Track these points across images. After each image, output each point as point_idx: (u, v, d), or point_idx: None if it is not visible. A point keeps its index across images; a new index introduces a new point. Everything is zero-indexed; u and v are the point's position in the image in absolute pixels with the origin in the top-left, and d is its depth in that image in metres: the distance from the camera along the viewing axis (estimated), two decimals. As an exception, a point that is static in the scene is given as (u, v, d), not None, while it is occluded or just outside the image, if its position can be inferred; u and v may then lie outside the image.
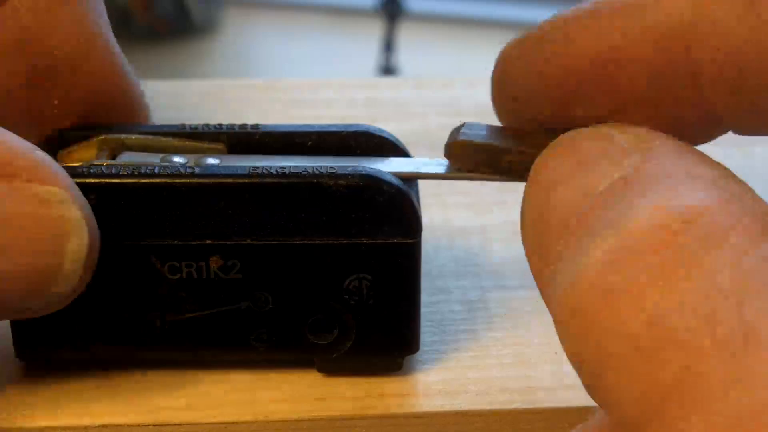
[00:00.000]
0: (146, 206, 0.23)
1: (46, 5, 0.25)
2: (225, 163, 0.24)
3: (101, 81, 0.26)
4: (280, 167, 0.23)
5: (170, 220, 0.23)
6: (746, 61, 0.18)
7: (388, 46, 1.51)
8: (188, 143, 0.26)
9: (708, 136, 0.20)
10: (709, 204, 0.16)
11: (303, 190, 0.23)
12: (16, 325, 0.24)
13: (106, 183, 0.23)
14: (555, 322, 0.17)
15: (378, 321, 0.24)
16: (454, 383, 0.25)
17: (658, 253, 0.15)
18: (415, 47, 1.56)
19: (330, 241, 0.23)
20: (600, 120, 0.20)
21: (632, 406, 0.15)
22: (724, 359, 0.14)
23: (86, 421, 0.24)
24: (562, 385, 0.25)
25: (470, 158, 0.22)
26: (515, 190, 0.21)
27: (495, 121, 0.23)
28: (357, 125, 0.26)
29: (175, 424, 0.24)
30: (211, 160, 0.25)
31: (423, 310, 0.25)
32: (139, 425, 0.24)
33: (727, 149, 0.21)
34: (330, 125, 0.26)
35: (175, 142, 0.26)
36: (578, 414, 0.24)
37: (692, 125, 0.20)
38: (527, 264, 0.19)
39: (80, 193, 0.22)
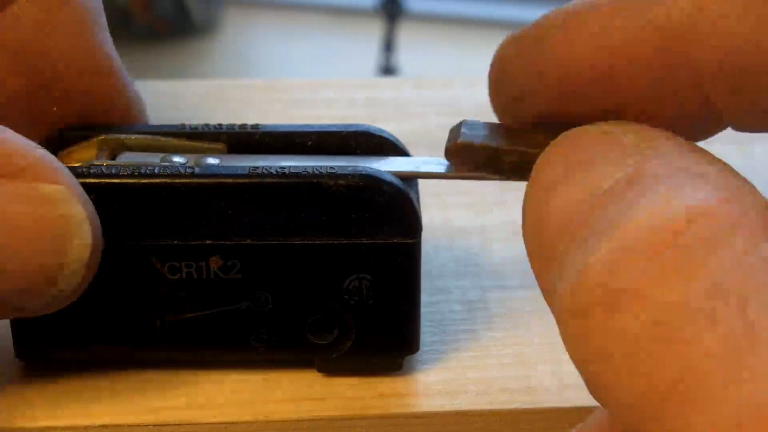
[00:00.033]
0: (146, 206, 0.23)
1: (46, 13, 0.25)
2: (225, 163, 0.24)
3: (100, 86, 0.26)
4: (280, 167, 0.23)
5: (170, 220, 0.23)
6: (747, 61, 0.18)
7: (388, 46, 1.51)
8: (188, 143, 0.26)
9: (707, 133, 0.20)
10: (710, 203, 0.16)
11: (303, 190, 0.23)
12: (16, 325, 0.24)
13: (106, 183, 0.23)
14: (557, 321, 0.17)
15: (378, 321, 0.24)
16: (454, 383, 0.25)
17: (659, 253, 0.15)
18: (415, 47, 1.56)
19: (330, 241, 0.23)
20: (600, 118, 0.20)
21: (633, 405, 0.15)
22: (725, 359, 0.14)
23: (86, 421, 0.24)
24: (562, 385, 0.25)
25: (471, 159, 0.22)
26: (515, 189, 0.21)
27: (494, 120, 0.23)
28: (357, 125, 0.26)
29: (175, 424, 0.24)
30: (211, 160, 0.25)
31: (423, 310, 0.25)
32: (139, 425, 0.24)
33: (727, 148, 0.21)
34: (330, 125, 0.26)
35: (175, 142, 0.26)
36: (578, 414, 0.24)
37: (691, 122, 0.20)
38: (527, 264, 0.19)
39: (83, 191, 0.22)
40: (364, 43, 1.58)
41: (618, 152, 0.18)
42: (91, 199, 0.22)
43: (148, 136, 0.26)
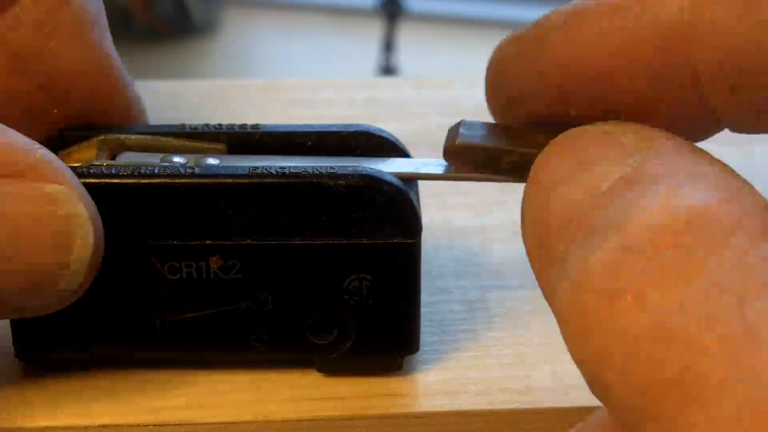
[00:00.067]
0: (146, 206, 0.23)
1: (46, 13, 0.25)
2: (225, 163, 0.24)
3: (100, 87, 0.26)
4: (280, 167, 0.23)
5: (170, 220, 0.23)
6: (746, 61, 0.18)
7: (388, 46, 1.51)
8: (188, 143, 0.26)
9: (705, 134, 0.20)
10: (710, 204, 0.16)
11: (303, 190, 0.23)
12: (15, 325, 0.24)
13: (106, 183, 0.23)
14: (557, 320, 0.17)
15: (378, 321, 0.24)
16: (454, 383, 0.25)
17: (659, 253, 0.15)
18: (415, 47, 1.56)
19: (330, 241, 0.23)
20: (599, 118, 0.20)
21: (633, 404, 0.15)
22: (724, 358, 0.14)
23: (86, 421, 0.24)
24: (562, 385, 0.25)
25: (469, 159, 0.22)
26: (515, 190, 0.21)
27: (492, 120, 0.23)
28: (357, 125, 0.26)
29: (175, 424, 0.24)
30: (211, 160, 0.25)
31: (423, 310, 0.25)
32: (139, 425, 0.24)
33: (726, 149, 0.21)
34: (330, 125, 0.26)
35: (175, 142, 0.26)
36: (578, 414, 0.24)
37: (690, 123, 0.20)
38: (527, 264, 0.19)
39: (86, 191, 0.22)
40: (364, 43, 1.58)
41: (618, 152, 0.18)
42: (91, 199, 0.22)
43: (148, 136, 0.26)
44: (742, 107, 0.19)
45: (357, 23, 1.69)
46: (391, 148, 0.26)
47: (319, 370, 0.25)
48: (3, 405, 0.24)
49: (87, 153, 0.25)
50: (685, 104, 0.19)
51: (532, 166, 0.19)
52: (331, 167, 0.23)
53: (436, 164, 0.24)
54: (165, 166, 0.23)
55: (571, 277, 0.16)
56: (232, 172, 0.23)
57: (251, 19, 1.74)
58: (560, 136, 0.19)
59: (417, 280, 0.24)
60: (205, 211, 0.23)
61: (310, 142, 0.26)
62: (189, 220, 0.23)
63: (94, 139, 0.25)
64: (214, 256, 0.23)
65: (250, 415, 0.24)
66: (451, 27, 1.66)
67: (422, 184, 0.26)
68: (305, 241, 0.23)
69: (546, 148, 0.19)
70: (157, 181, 0.23)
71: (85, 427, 0.24)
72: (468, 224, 0.31)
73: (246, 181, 0.23)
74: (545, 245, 0.18)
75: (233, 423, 0.24)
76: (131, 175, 0.23)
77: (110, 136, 0.25)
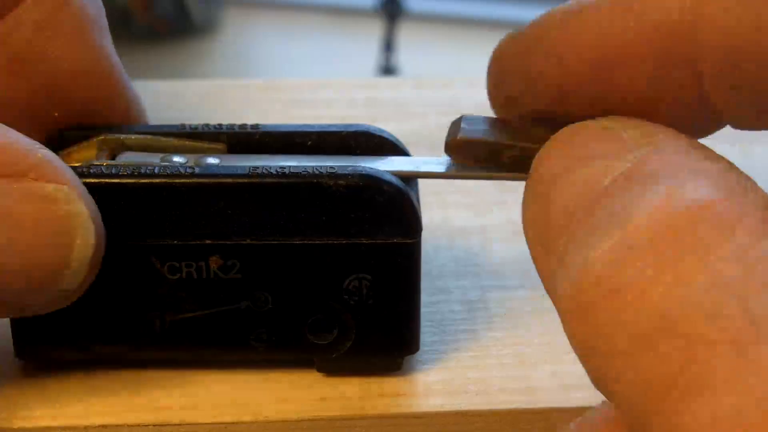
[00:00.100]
0: (146, 206, 0.23)
1: (47, 16, 0.25)
2: (225, 163, 0.24)
3: (101, 90, 0.26)
4: (280, 167, 0.23)
5: (170, 220, 0.23)
6: (747, 60, 0.18)
7: (388, 46, 1.51)
8: (188, 143, 0.26)
9: (706, 131, 0.20)
10: (713, 199, 0.16)
11: (303, 190, 0.23)
12: (15, 325, 0.24)
13: (106, 183, 0.23)
14: (560, 314, 0.17)
15: (378, 321, 0.24)
16: (454, 383, 0.25)
17: (663, 248, 0.15)
18: (415, 47, 1.56)
19: (330, 241, 0.23)
20: (599, 116, 0.20)
21: (636, 398, 0.15)
22: (728, 352, 0.14)
23: (86, 421, 0.24)
24: (562, 385, 0.25)
25: (470, 154, 0.22)
26: (515, 190, 0.21)
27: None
28: (357, 125, 0.26)
29: (175, 424, 0.24)
30: (211, 160, 0.25)
31: (423, 310, 0.25)
32: (139, 425, 0.24)
33: (727, 148, 0.21)
34: (330, 125, 0.26)
35: (175, 141, 0.26)
36: (578, 414, 0.24)
37: (690, 120, 0.20)
38: (527, 264, 0.19)
39: (86, 191, 0.22)
40: (364, 43, 1.58)
41: (618, 147, 0.18)
42: (90, 199, 0.22)
43: (148, 136, 0.26)
44: (743, 105, 0.19)
45: (357, 23, 1.69)
46: (391, 148, 0.26)
47: (318, 370, 0.25)
48: (3, 405, 0.24)
49: (87, 153, 0.25)
50: (685, 102, 0.19)
51: (533, 161, 0.19)
52: (331, 167, 0.23)
53: (436, 163, 0.24)
54: (165, 166, 0.23)
55: (574, 272, 0.16)
56: (232, 171, 0.23)
57: (251, 19, 1.74)
58: (561, 132, 0.19)
59: (417, 280, 0.24)
60: (205, 210, 0.23)
61: (310, 142, 0.26)
62: (189, 219, 0.23)
63: (94, 139, 0.25)
64: (213, 255, 0.23)
65: (250, 415, 0.24)
66: (451, 27, 1.66)
67: (422, 184, 0.26)
68: (305, 241, 0.23)
69: (547, 143, 0.19)
70: (157, 180, 0.23)
71: (85, 427, 0.24)
72: (468, 224, 0.31)
73: (246, 180, 0.23)
74: (546, 240, 0.18)
75: (233, 423, 0.24)
76: (131, 175, 0.23)
77: (110, 136, 0.25)
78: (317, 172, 0.23)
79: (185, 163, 0.24)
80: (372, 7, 1.59)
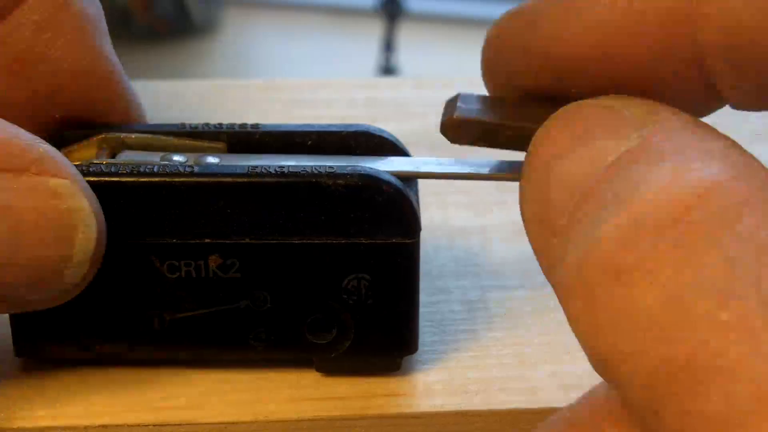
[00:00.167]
0: (145, 205, 0.23)
1: (48, 19, 0.25)
2: (224, 163, 0.24)
3: (101, 92, 0.26)
4: (279, 166, 0.23)
5: (169, 219, 0.23)
6: (750, 41, 0.17)
7: (388, 46, 1.51)
8: (188, 142, 0.26)
9: (706, 111, 0.20)
10: (720, 179, 0.15)
11: (302, 190, 0.23)
12: (15, 322, 0.24)
13: (106, 181, 0.23)
14: (561, 296, 0.17)
15: (377, 321, 0.24)
16: (454, 383, 0.25)
17: (671, 228, 0.15)
18: (415, 47, 1.56)
19: (329, 241, 0.23)
20: (598, 94, 0.19)
21: (645, 381, 0.15)
22: (742, 334, 0.14)
23: (86, 420, 0.24)
24: (562, 385, 0.25)
25: (467, 135, 0.22)
26: (515, 190, 0.21)
27: None
28: (357, 125, 0.26)
29: (175, 424, 0.24)
30: (211, 159, 0.25)
31: (423, 310, 0.25)
32: (139, 425, 0.24)
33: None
34: (330, 125, 0.26)
35: (175, 141, 0.26)
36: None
37: (691, 100, 0.19)
38: (527, 264, 0.19)
39: (88, 185, 0.22)
40: (364, 43, 1.58)
41: (621, 126, 0.17)
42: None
43: (149, 135, 0.26)
44: (745, 86, 0.18)
45: (357, 23, 1.69)
46: (391, 148, 0.26)
47: (318, 370, 0.25)
48: (3, 404, 0.24)
49: (87, 152, 0.25)
50: (686, 82, 0.19)
51: (532, 140, 0.19)
52: (330, 167, 0.23)
53: (436, 163, 0.24)
54: (164, 165, 0.23)
55: (579, 252, 0.16)
56: (231, 171, 0.23)
57: (251, 19, 1.74)
58: (561, 110, 0.19)
59: (416, 280, 0.24)
60: (204, 209, 0.23)
61: (310, 142, 0.26)
62: (188, 218, 0.23)
63: (95, 138, 0.25)
64: (213, 254, 0.23)
65: (250, 415, 0.24)
66: (451, 27, 1.66)
67: (422, 184, 0.26)
68: (304, 241, 0.23)
69: (546, 122, 0.19)
70: (157, 179, 0.23)
71: (85, 427, 0.24)
72: (468, 224, 0.31)
73: (245, 180, 0.23)
74: (546, 219, 0.18)
75: (233, 423, 0.24)
76: (131, 174, 0.23)
77: (110, 135, 0.25)
78: (316, 172, 0.23)
79: (185, 162, 0.24)
80: (372, 7, 1.59)
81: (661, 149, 0.16)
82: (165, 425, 0.24)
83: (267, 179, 0.23)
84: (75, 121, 0.26)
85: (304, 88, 0.38)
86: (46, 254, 0.21)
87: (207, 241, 0.23)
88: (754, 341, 0.14)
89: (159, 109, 0.30)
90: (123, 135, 0.25)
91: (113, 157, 0.25)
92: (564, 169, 0.18)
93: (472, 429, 0.25)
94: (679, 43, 0.18)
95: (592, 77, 0.19)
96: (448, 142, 0.22)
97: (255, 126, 0.26)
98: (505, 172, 0.23)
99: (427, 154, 0.25)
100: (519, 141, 0.21)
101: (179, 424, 0.24)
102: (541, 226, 0.18)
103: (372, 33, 1.55)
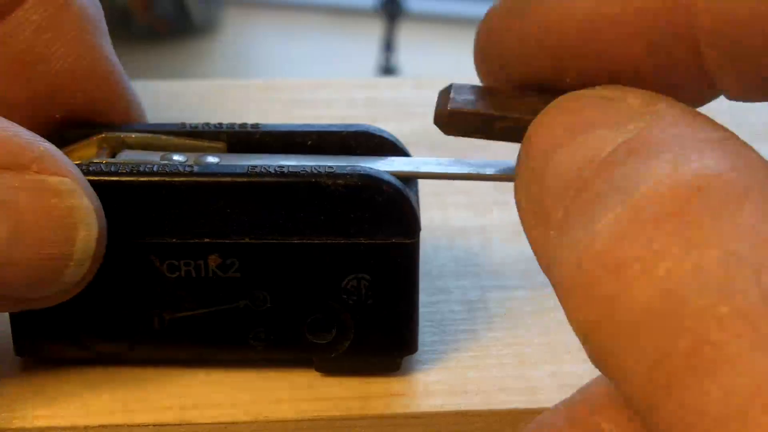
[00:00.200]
0: (145, 204, 0.23)
1: (48, 19, 0.25)
2: (224, 162, 0.24)
3: (102, 92, 0.26)
4: (279, 166, 0.23)
5: (169, 219, 0.23)
6: (746, 30, 0.17)
7: (388, 46, 1.51)
8: (188, 142, 0.26)
9: (701, 101, 0.20)
10: (720, 170, 0.15)
11: (301, 190, 0.23)
12: (15, 321, 0.24)
13: (106, 181, 0.23)
14: (558, 290, 0.16)
15: (376, 321, 0.24)
16: (454, 383, 0.25)
17: (670, 220, 0.15)
18: (415, 47, 1.56)
19: (328, 241, 0.23)
20: (593, 84, 0.19)
21: (644, 375, 0.15)
22: (742, 328, 0.14)
23: (86, 421, 0.24)
24: (562, 385, 0.25)
25: (461, 126, 0.21)
26: (515, 189, 0.21)
27: None
28: (357, 125, 0.26)
29: (175, 424, 0.24)
30: (211, 159, 0.25)
31: (423, 310, 0.25)
32: (139, 425, 0.24)
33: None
34: (330, 125, 0.26)
35: (175, 140, 0.26)
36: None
37: (686, 89, 0.19)
38: (527, 264, 0.19)
39: (88, 184, 0.22)
40: (364, 43, 1.58)
41: (619, 116, 0.17)
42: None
43: (149, 135, 0.26)
44: (741, 75, 0.18)
45: (357, 23, 1.68)
46: (391, 148, 0.26)
47: (317, 370, 0.25)
48: (2, 404, 0.24)
49: (88, 151, 0.25)
50: (682, 70, 0.19)
51: (528, 131, 0.19)
52: (330, 167, 0.23)
53: (436, 163, 0.24)
54: (164, 165, 0.23)
55: (575, 245, 0.16)
56: (231, 170, 0.23)
57: (251, 19, 1.74)
58: (556, 100, 0.19)
59: (415, 280, 0.24)
60: (204, 209, 0.23)
61: (310, 142, 0.26)
62: (188, 218, 0.23)
63: (95, 138, 0.25)
64: (212, 254, 0.23)
65: (249, 415, 0.24)
66: (451, 27, 1.66)
67: (422, 184, 0.26)
68: (304, 241, 0.23)
69: (542, 113, 0.19)
70: (156, 179, 0.23)
71: (85, 427, 0.24)
72: (468, 224, 0.31)
73: (244, 180, 0.23)
74: (542, 212, 0.17)
75: (233, 423, 0.24)
76: (130, 173, 0.23)
77: (111, 134, 0.25)
78: (316, 172, 0.23)
79: (185, 162, 0.24)
80: (372, 7, 1.58)
81: (659, 140, 0.16)
82: (165, 425, 0.24)
83: (267, 179, 0.23)
84: (75, 121, 0.26)
85: (304, 88, 0.38)
86: (47, 252, 0.21)
87: (207, 240, 0.23)
88: (754, 335, 0.14)
89: (159, 109, 0.30)
90: (123, 134, 0.25)
91: (113, 156, 0.25)
92: (560, 160, 0.17)
93: (472, 429, 0.25)
94: (675, 30, 0.18)
95: (587, 65, 0.19)
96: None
97: (255, 126, 0.26)
98: (506, 172, 0.23)
99: (427, 154, 0.25)
100: (515, 132, 0.20)
101: (179, 424, 0.24)
102: (537, 219, 0.18)
103: (372, 33, 1.55)
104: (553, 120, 0.18)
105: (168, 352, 0.25)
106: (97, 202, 0.22)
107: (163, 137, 0.26)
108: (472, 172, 0.24)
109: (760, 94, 0.19)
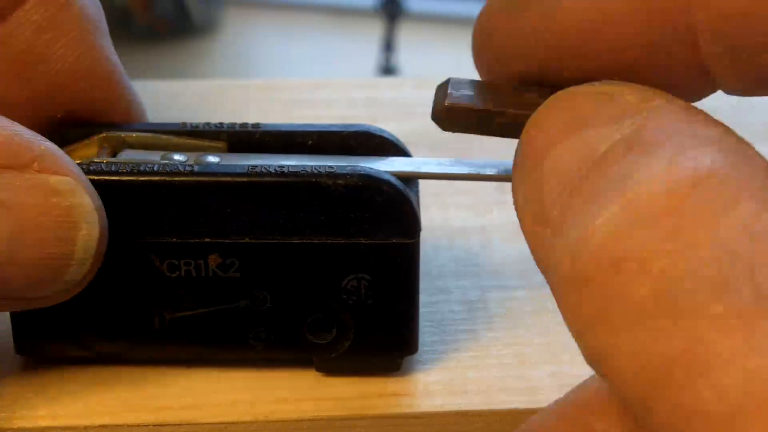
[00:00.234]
0: (145, 204, 0.23)
1: (48, 19, 0.25)
2: (225, 162, 0.24)
3: (102, 92, 0.26)
4: (279, 166, 0.23)
5: (169, 218, 0.23)
6: (745, 24, 0.17)
7: (388, 46, 1.51)
8: (189, 141, 0.26)
9: (699, 95, 0.20)
10: (716, 166, 0.15)
11: (302, 190, 0.23)
12: (15, 321, 0.24)
13: (106, 180, 0.23)
14: (554, 287, 0.16)
15: (376, 321, 0.24)
16: (454, 383, 0.25)
17: (665, 218, 0.15)
18: (415, 47, 1.56)
19: (328, 241, 0.23)
20: (592, 80, 0.19)
21: (637, 374, 0.15)
22: (735, 327, 0.14)
23: (86, 420, 0.24)
24: (562, 385, 0.25)
25: (459, 122, 0.21)
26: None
27: None
28: (357, 125, 0.26)
29: (175, 424, 0.24)
30: (211, 159, 0.25)
31: (423, 310, 0.25)
32: (139, 425, 0.24)
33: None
34: (330, 125, 0.26)
35: (176, 140, 0.26)
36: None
37: (684, 84, 0.19)
38: (527, 264, 0.19)
39: (90, 183, 0.22)
40: (364, 43, 1.58)
41: (615, 113, 0.17)
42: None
43: (149, 134, 0.26)
44: (740, 70, 0.18)
45: (357, 23, 1.68)
46: (392, 148, 0.26)
47: (318, 370, 0.25)
48: (3, 404, 0.24)
49: (88, 150, 0.25)
50: (680, 65, 0.18)
51: (526, 124, 0.19)
52: (330, 167, 0.23)
53: (436, 163, 0.24)
54: (165, 164, 0.23)
55: (572, 243, 0.16)
56: (231, 170, 0.23)
57: (251, 19, 1.74)
58: (554, 96, 0.19)
59: (416, 280, 0.24)
60: (204, 209, 0.23)
61: (310, 142, 0.26)
62: (188, 217, 0.23)
63: (96, 137, 0.25)
64: (212, 254, 0.23)
65: (249, 415, 0.24)
66: (451, 27, 1.66)
67: (422, 184, 0.26)
68: (304, 241, 0.23)
69: (539, 108, 0.19)
70: (157, 178, 0.23)
71: (85, 427, 0.24)
72: (468, 224, 0.31)
73: (245, 179, 0.23)
74: (539, 210, 0.17)
75: (233, 423, 0.24)
76: (131, 173, 0.23)
77: (111, 134, 0.25)
78: (316, 172, 0.23)
79: (185, 162, 0.24)
80: (372, 7, 1.59)
81: (656, 137, 0.16)
82: (165, 425, 0.24)
83: (267, 179, 0.23)
84: (76, 121, 0.26)
85: (304, 88, 0.38)
86: (49, 252, 0.21)
87: (207, 240, 0.23)
88: (748, 335, 0.14)
89: (159, 109, 0.30)
90: (124, 134, 0.25)
91: (114, 156, 0.25)
92: (556, 157, 0.17)
93: (472, 429, 0.25)
94: (673, 24, 0.18)
95: (584, 60, 0.19)
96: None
97: (255, 125, 0.26)
98: (506, 172, 0.23)
99: (427, 154, 0.25)
100: (512, 128, 0.20)
101: (179, 424, 0.24)
102: (534, 216, 0.18)
103: (372, 33, 1.55)
104: (550, 117, 0.18)
105: (168, 352, 0.25)
106: (98, 202, 0.22)
107: (164, 137, 0.26)
108: (472, 172, 0.24)
109: (757, 89, 0.19)
